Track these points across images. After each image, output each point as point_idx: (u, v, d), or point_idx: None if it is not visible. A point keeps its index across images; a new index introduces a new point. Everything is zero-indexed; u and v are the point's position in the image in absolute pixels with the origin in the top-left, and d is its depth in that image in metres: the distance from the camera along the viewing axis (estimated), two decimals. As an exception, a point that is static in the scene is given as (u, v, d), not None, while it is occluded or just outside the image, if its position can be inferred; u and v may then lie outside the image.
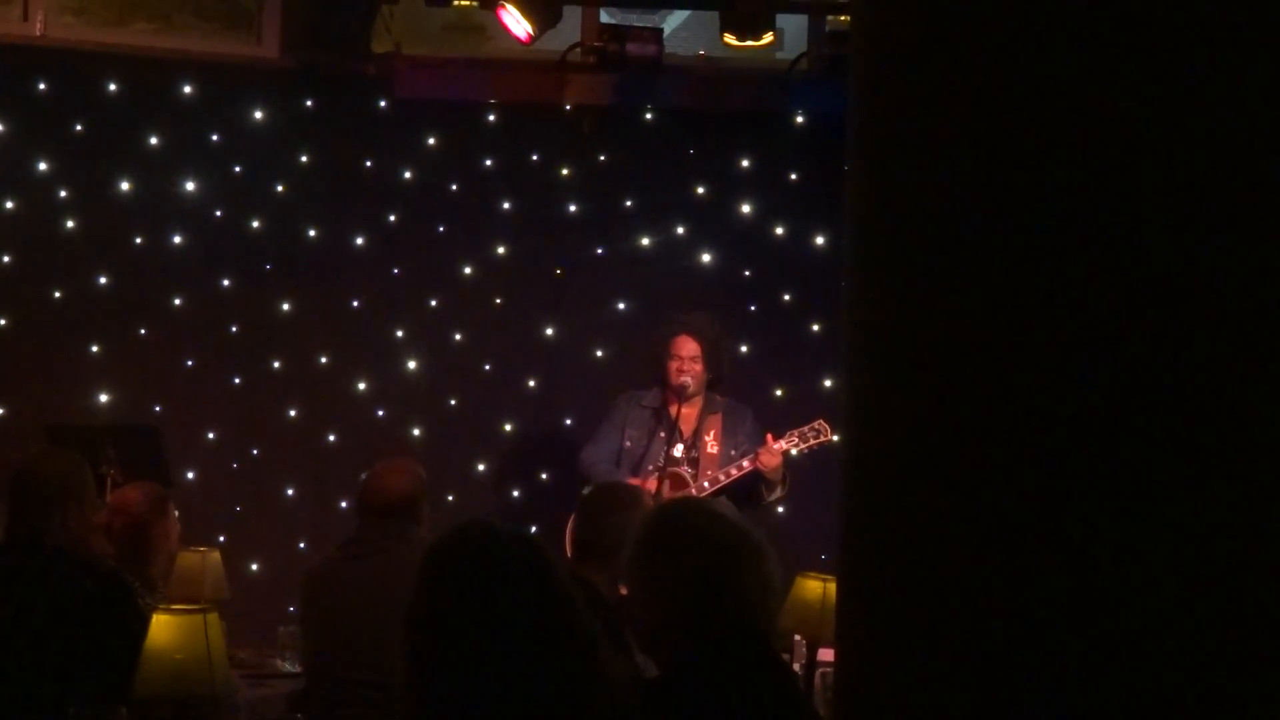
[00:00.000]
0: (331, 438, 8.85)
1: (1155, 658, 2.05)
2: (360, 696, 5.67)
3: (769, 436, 7.57)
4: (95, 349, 8.69)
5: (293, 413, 8.88)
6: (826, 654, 5.59)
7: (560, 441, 8.86)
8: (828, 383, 8.84)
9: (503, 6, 8.08)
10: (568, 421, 9.03)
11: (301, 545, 8.62)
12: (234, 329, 8.85)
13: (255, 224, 8.88)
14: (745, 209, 9.12)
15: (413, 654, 3.04)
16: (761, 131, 9.04)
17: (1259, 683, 2.06)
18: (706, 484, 7.58)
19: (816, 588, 5.48)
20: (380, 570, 5.66)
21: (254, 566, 8.67)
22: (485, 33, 9.29)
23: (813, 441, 7.60)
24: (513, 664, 2.94)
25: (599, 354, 9.06)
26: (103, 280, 8.71)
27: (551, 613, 3.01)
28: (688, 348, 7.69)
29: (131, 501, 6.04)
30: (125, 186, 8.73)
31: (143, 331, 8.76)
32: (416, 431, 8.94)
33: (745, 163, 9.11)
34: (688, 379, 7.64)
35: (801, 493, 8.07)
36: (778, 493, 7.69)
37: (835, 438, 7.49)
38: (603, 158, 9.09)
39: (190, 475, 8.61)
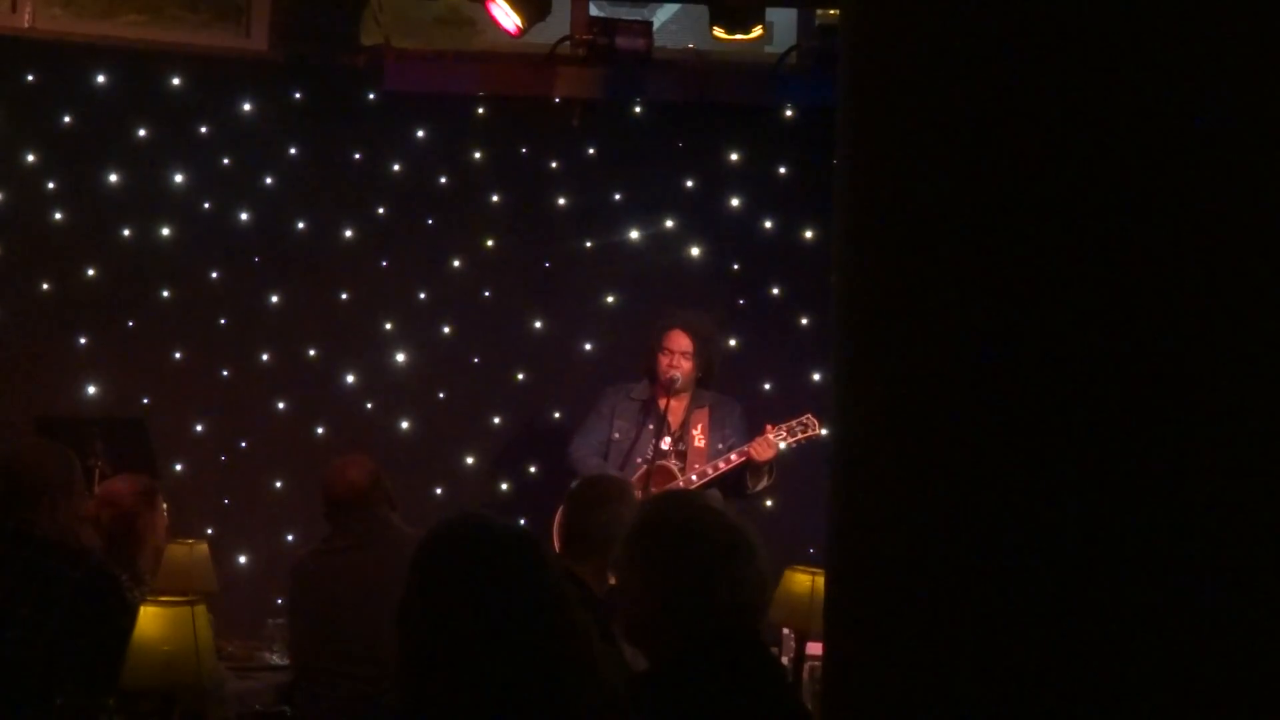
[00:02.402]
0: (320, 430, 8.85)
1: (1143, 646, 2.05)
2: (348, 689, 5.68)
3: (768, 426, 7.58)
4: (83, 341, 8.68)
5: (281, 405, 8.88)
6: (815, 647, 5.60)
7: (548, 435, 8.86)
8: (816, 376, 8.85)
9: (492, 0, 8.08)
10: (556, 415, 9.03)
11: (290, 538, 8.62)
12: (222, 321, 8.85)
13: (244, 216, 8.87)
14: (734, 202, 9.12)
15: (404, 647, 3.04)
16: (751, 125, 9.04)
17: (1253, 683, 2.06)
18: (694, 477, 7.58)
19: (805, 581, 5.48)
20: (368, 563, 5.68)
21: (242, 559, 8.67)
22: (475, 26, 9.28)
23: (800, 436, 7.61)
24: (505, 658, 2.94)
25: (587, 347, 9.06)
26: (91, 272, 8.70)
27: (545, 607, 3.01)
28: (680, 342, 7.69)
29: (119, 493, 6.04)
30: (113, 179, 8.72)
31: (131, 324, 8.75)
32: (405, 424, 8.94)
33: (734, 156, 9.11)
34: (677, 373, 7.64)
35: (790, 486, 8.07)
36: (764, 483, 7.69)
37: (823, 432, 7.50)
38: (592, 151, 9.09)
39: (178, 467, 8.61)
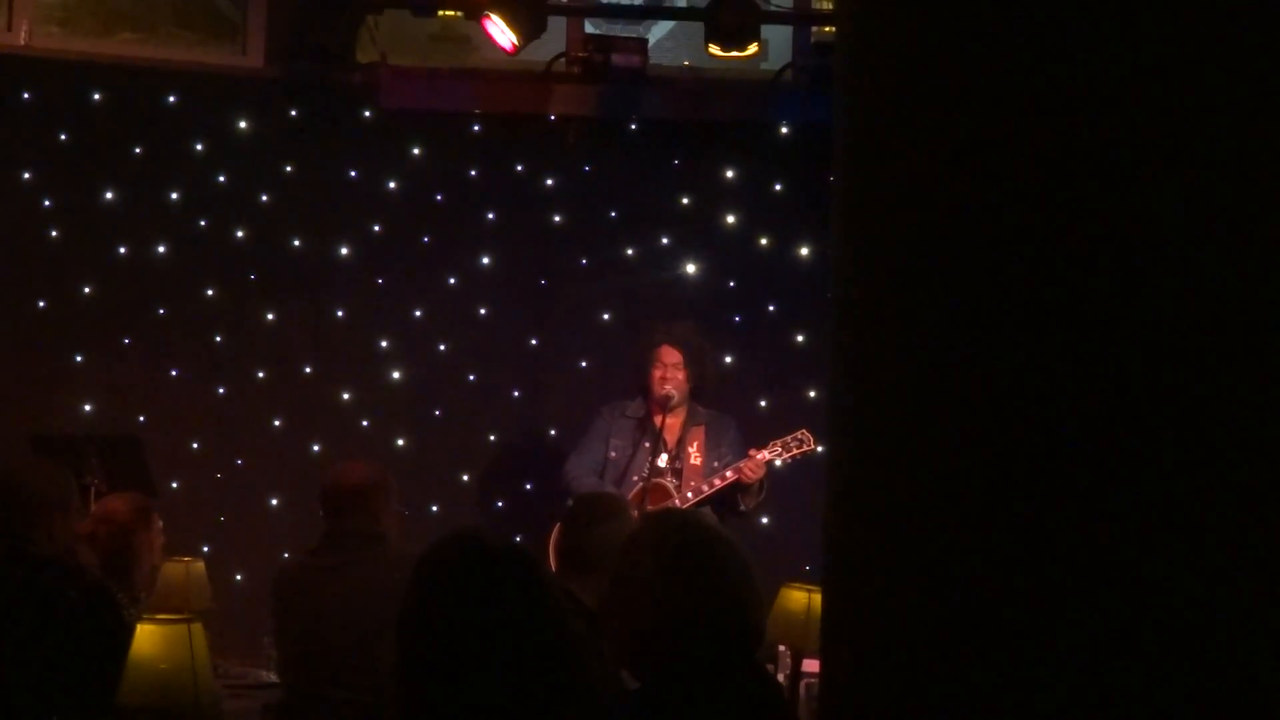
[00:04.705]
0: (315, 448, 8.84)
1: (1144, 670, 2.06)
2: (338, 710, 5.65)
3: (751, 451, 7.58)
4: (79, 359, 8.68)
5: (277, 423, 8.87)
6: (811, 664, 5.59)
7: (544, 452, 8.86)
8: (812, 393, 8.85)
9: (488, 17, 8.09)
10: (552, 432, 9.03)
11: (285, 555, 8.58)
12: (218, 339, 8.84)
13: (240, 234, 8.87)
14: (730, 220, 9.12)
15: (402, 664, 3.04)
16: (746, 142, 9.04)
17: (1257, 688, 2.06)
18: (690, 494, 7.58)
19: (801, 598, 5.48)
20: (354, 583, 5.63)
21: (238, 577, 8.66)
22: (470, 43, 9.30)
23: (795, 451, 7.61)
24: (502, 675, 2.94)
25: (583, 364, 9.07)
26: (87, 290, 8.70)
27: (541, 624, 3.01)
28: (671, 357, 7.70)
29: (115, 511, 6.03)
30: (109, 196, 8.72)
31: (127, 341, 8.75)
32: (400, 441, 8.93)
33: (730, 173, 9.12)
34: (671, 389, 7.64)
35: (786, 503, 8.07)
36: (755, 500, 7.69)
37: (818, 448, 7.51)
38: (587, 168, 9.09)
39: (174, 485, 8.60)
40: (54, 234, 8.67)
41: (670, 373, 7.68)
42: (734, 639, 3.45)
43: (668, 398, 7.62)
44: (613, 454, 7.79)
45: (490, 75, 8.96)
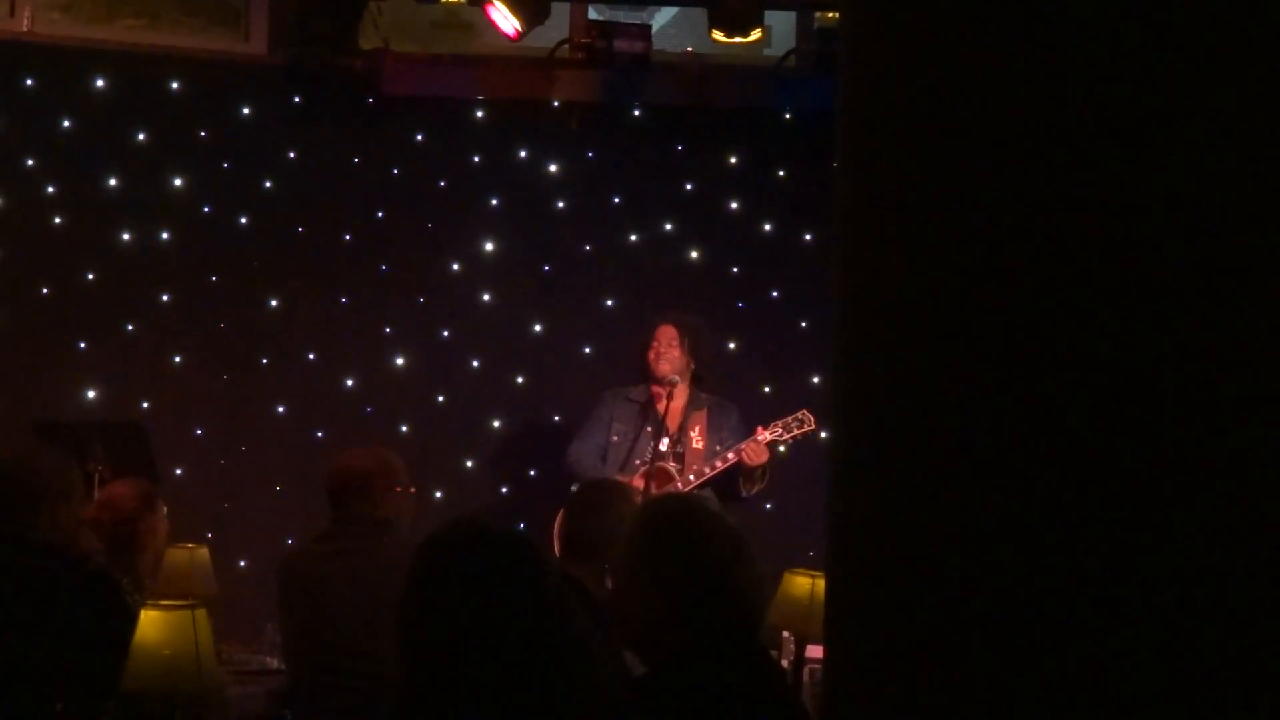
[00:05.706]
0: (319, 434, 8.84)
1: (1146, 648, 2.06)
2: (345, 697, 5.66)
3: (759, 428, 7.59)
4: (83, 345, 8.67)
5: (281, 409, 8.87)
6: (815, 650, 5.60)
7: (548, 438, 8.86)
8: (815, 379, 8.85)
9: (491, 3, 8.08)
10: (555, 418, 9.03)
11: (289, 542, 8.59)
12: (222, 325, 8.84)
13: (243, 220, 8.87)
14: (733, 206, 9.12)
15: (403, 652, 3.04)
16: (750, 128, 9.04)
17: (1257, 689, 2.06)
18: (692, 477, 7.59)
19: (805, 584, 5.48)
20: (360, 569, 5.64)
21: (242, 563, 8.66)
22: (473, 29, 9.29)
23: (796, 431, 7.61)
24: (504, 663, 2.94)
25: (587, 351, 9.07)
26: (90, 277, 8.69)
27: (543, 611, 3.01)
28: (666, 334, 7.72)
29: (120, 498, 6.04)
30: (113, 182, 8.71)
31: (130, 328, 8.74)
32: (404, 428, 8.94)
33: (733, 159, 9.12)
34: (666, 364, 7.65)
35: (789, 488, 8.07)
36: (757, 487, 7.70)
37: (818, 428, 7.52)
38: (591, 154, 9.09)
39: (178, 472, 8.60)
40: (57, 221, 8.66)
41: (664, 349, 7.69)
42: (731, 623, 3.46)
43: (664, 375, 7.64)
44: (615, 439, 7.80)
45: (493, 61, 8.95)
